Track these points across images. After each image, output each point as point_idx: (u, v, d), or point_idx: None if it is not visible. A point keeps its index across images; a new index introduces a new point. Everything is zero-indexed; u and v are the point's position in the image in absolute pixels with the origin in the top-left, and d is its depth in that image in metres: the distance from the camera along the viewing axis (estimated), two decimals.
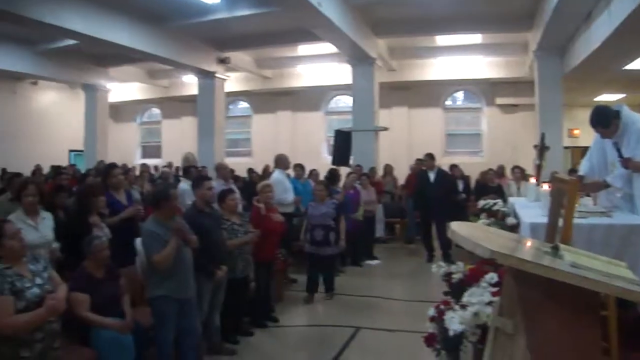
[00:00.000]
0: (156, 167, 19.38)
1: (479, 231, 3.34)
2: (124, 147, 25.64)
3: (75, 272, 5.37)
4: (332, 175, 11.47)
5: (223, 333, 6.71)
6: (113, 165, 7.44)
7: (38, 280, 4.00)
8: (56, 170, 12.70)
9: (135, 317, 5.58)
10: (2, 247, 3.96)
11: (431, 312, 4.37)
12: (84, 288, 5.15)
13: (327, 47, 16.58)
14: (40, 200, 5.93)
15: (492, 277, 4.16)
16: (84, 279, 5.26)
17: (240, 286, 6.94)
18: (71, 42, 15.65)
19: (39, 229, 5.77)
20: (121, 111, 26.83)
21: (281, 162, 10.74)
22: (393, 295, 9.26)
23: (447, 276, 5.01)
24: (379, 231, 13.52)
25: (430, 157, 11.73)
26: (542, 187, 5.98)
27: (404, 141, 20.77)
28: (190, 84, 21.53)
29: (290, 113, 23.43)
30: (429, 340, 4.32)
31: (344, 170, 13.16)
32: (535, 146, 7.67)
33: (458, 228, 2.92)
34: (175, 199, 5.80)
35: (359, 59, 15.65)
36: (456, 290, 4.77)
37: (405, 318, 7.80)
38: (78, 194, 6.81)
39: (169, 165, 16.45)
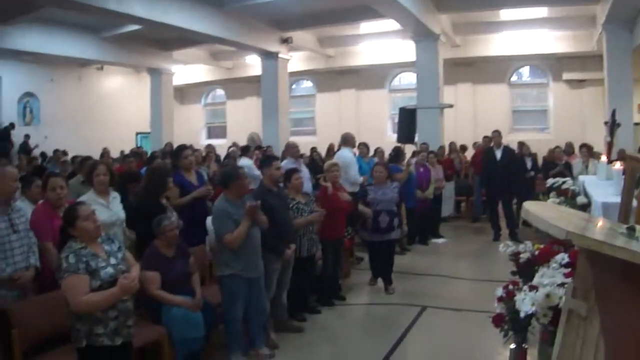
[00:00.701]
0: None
1: (551, 210, 3.24)
2: (190, 128, 26.01)
3: (147, 251, 5.49)
4: (397, 153, 11.34)
5: (290, 311, 6.78)
6: (183, 147, 7.46)
7: (112, 260, 4.05)
8: (124, 155, 12.83)
9: (205, 295, 5.69)
10: (77, 229, 4.03)
11: (499, 292, 4.27)
12: (155, 267, 5.29)
13: (390, 24, 16.41)
14: (110, 180, 6.00)
15: (562, 257, 4.05)
16: (154, 258, 5.39)
17: (307, 265, 6.97)
18: (135, 27, 15.89)
19: (111, 208, 5.86)
20: (186, 93, 27.20)
21: (348, 140, 10.65)
22: (459, 275, 9.18)
23: (515, 256, 4.89)
24: (448, 210, 13.35)
25: (497, 134, 11.51)
26: (614, 165, 5.78)
27: (469, 118, 20.46)
28: (253, 64, 21.62)
29: (354, 91, 23.30)
30: (497, 320, 4.24)
31: (408, 149, 13.04)
32: (606, 123, 7.45)
33: (531, 207, 2.83)
34: (245, 179, 5.84)
35: (422, 35, 15.41)
36: (524, 270, 4.67)
37: (471, 298, 7.74)
38: (147, 174, 6.87)
39: (234, 145, 16.52)
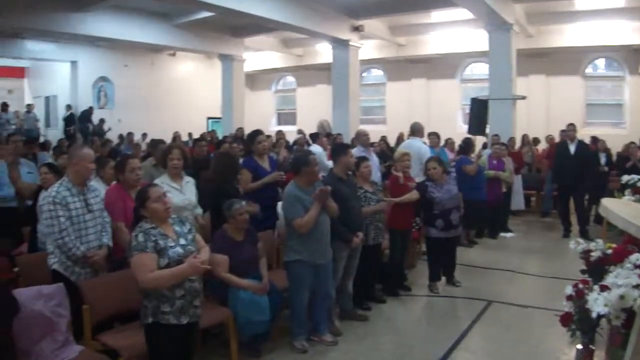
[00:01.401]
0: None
1: (629, 208, 3.14)
2: (260, 114, 26.14)
3: (216, 235, 5.62)
4: (466, 145, 11.19)
5: (355, 299, 6.79)
6: (258, 132, 7.46)
7: (182, 241, 4.15)
8: (195, 139, 12.98)
9: (271, 280, 5.75)
10: (147, 209, 4.15)
11: (569, 290, 4.17)
12: (224, 250, 5.38)
13: (462, 13, 16.25)
14: (184, 164, 6.12)
15: (637, 257, 3.92)
16: (224, 241, 5.50)
17: (373, 254, 6.96)
18: (207, 14, 16.05)
19: (184, 192, 5.98)
20: (257, 79, 27.43)
21: (418, 130, 10.54)
22: (527, 270, 9.01)
23: (586, 254, 4.76)
24: (518, 204, 13.10)
25: (572, 127, 11.21)
26: None
27: (541, 111, 19.99)
28: (324, 52, 21.60)
29: (425, 81, 23.10)
30: (565, 319, 4.13)
31: (479, 140, 12.85)
32: None
33: (610, 204, 2.75)
34: (316, 165, 5.85)
35: (495, 24, 15.10)
36: (594, 269, 4.54)
37: (538, 294, 7.60)
38: (216, 159, 6.96)
39: (301, 132, 16.58)
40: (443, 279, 8.10)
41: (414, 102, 22.74)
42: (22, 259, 5.68)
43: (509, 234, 11.50)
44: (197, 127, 21.81)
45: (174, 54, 23.84)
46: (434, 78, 22.93)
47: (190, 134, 20.28)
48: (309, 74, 25.57)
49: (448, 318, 6.91)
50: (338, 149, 6.86)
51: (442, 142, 12.09)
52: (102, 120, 20.39)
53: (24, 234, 6.67)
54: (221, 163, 6.71)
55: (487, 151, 11.91)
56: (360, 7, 16.70)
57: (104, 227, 5.18)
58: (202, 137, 13.67)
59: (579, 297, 3.96)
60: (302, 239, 5.63)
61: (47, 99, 23.95)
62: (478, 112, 14.82)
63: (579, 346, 4.05)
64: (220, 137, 16.71)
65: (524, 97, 16.08)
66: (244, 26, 19.45)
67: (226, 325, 5.42)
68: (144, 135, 19.32)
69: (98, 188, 5.46)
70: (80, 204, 4.94)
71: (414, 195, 7.50)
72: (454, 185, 7.98)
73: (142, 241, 3.97)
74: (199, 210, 6.26)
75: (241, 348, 5.49)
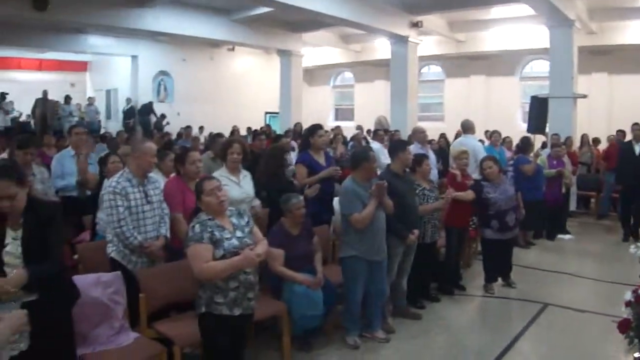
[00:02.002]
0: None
1: None
2: (318, 109, 26.23)
3: (273, 228, 5.68)
4: (524, 144, 10.96)
5: (409, 297, 6.75)
6: (318, 126, 7.43)
7: (238, 234, 4.17)
8: (254, 132, 13.03)
9: (326, 275, 5.77)
10: (202, 202, 4.22)
11: (628, 296, 4.08)
12: (280, 244, 5.42)
13: (523, 9, 16.00)
14: (243, 159, 6.16)
15: None
16: (280, 235, 5.55)
17: (429, 251, 6.92)
18: (266, 9, 16.15)
19: (242, 185, 6.02)
20: (315, 75, 27.49)
21: (471, 127, 10.44)
22: (584, 274, 8.76)
23: None
24: (572, 204, 12.84)
25: (637, 127, 10.87)
26: None
27: (603, 110, 19.53)
28: (382, 48, 21.45)
29: (484, 78, 22.87)
30: (623, 326, 4.04)
31: (538, 139, 12.63)
32: None
33: None
34: (375, 162, 5.86)
35: (556, 21, 14.81)
36: None
37: (595, 299, 7.43)
38: (265, 154, 7.02)
39: (359, 128, 16.52)
40: (499, 280, 7.98)
41: (473, 100, 22.55)
42: (82, 246, 5.80)
43: (567, 236, 11.23)
44: (255, 122, 21.93)
45: (232, 49, 24.04)
46: (493, 75, 22.68)
47: (249, 129, 20.46)
48: (367, 69, 25.52)
49: (502, 319, 6.82)
50: (396, 145, 6.83)
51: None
52: (163, 116, 20.69)
53: (84, 222, 6.82)
54: (267, 156, 6.79)
55: (546, 151, 11.69)
56: (419, 2, 16.57)
57: (162, 218, 5.28)
58: (261, 131, 13.74)
59: (638, 303, 3.88)
60: (358, 235, 5.62)
61: (108, 92, 24.59)
62: (538, 111, 14.55)
63: (637, 354, 3.96)
64: (277, 131, 16.82)
65: (585, 96, 15.76)
66: (303, 22, 19.46)
67: (279, 318, 5.45)
68: (201, 128, 19.55)
69: (158, 180, 5.57)
70: (140, 195, 5.05)
71: (469, 195, 7.40)
72: (511, 186, 7.86)
73: (198, 232, 4.03)
74: (257, 202, 6.33)
75: (293, 342, 5.52)
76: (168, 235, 5.28)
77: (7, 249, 3.64)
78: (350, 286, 5.77)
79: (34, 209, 3.78)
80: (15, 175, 3.67)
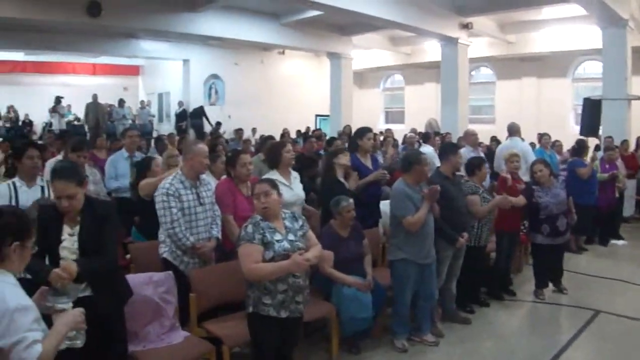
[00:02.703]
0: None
1: None
2: (368, 112, 26.16)
3: (323, 230, 5.73)
4: (580, 146, 10.76)
5: (459, 301, 6.73)
6: (367, 129, 7.42)
7: (290, 237, 4.20)
8: (305, 135, 13.02)
9: (375, 277, 5.77)
10: (254, 205, 4.31)
11: None
12: (330, 245, 5.42)
13: (574, 9, 15.74)
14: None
15: None
16: (330, 237, 5.57)
17: (480, 255, 6.90)
18: (316, 12, 16.18)
19: (293, 188, 6.05)
20: (365, 77, 27.50)
21: (518, 130, 10.32)
22: (638, 280, 8.51)
23: None
24: (629, 209, 12.54)
25: None
26: None
27: None
28: (432, 50, 21.28)
29: (535, 79, 22.46)
30: None
31: (591, 142, 12.39)
32: None
33: None
34: (427, 165, 5.85)
35: (609, 21, 14.47)
36: None
37: None
38: (325, 157, 7.07)
39: (412, 131, 16.39)
40: (550, 285, 7.83)
41: (524, 102, 22.18)
42: (134, 246, 5.92)
43: (620, 242, 10.97)
44: (305, 125, 22.11)
45: (282, 52, 24.17)
46: (544, 77, 22.28)
47: (298, 131, 20.54)
48: (417, 72, 25.36)
49: (552, 326, 6.70)
50: (448, 148, 6.82)
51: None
52: (218, 124, 20.75)
53: (136, 223, 6.89)
54: (326, 159, 6.82)
55: (600, 153, 11.47)
56: (469, 4, 16.40)
57: (215, 219, 5.36)
58: (313, 134, 13.76)
59: None
60: (408, 238, 5.61)
61: (160, 95, 25.08)
62: (590, 113, 14.28)
63: None
64: (327, 134, 16.83)
65: (639, 98, 15.42)
66: (352, 24, 19.48)
67: (328, 320, 5.50)
68: (254, 130, 19.65)
69: (210, 182, 5.66)
70: (192, 197, 5.15)
71: (520, 200, 7.25)
72: (562, 190, 7.67)
73: (250, 232, 4.08)
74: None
75: (342, 343, 5.57)
76: (220, 236, 5.35)
77: (64, 244, 3.81)
78: (399, 289, 5.77)
79: (91, 208, 3.93)
80: (77, 177, 3.86)
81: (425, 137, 12.25)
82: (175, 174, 5.27)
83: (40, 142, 17.40)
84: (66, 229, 3.86)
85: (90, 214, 3.90)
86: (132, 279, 4.55)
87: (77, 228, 3.87)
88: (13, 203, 4.85)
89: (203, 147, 5.42)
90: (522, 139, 10.68)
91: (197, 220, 5.15)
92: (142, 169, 6.74)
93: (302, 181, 6.44)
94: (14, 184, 5.07)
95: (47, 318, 2.83)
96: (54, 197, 3.91)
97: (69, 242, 3.82)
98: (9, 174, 10.04)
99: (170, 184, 5.11)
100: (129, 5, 14.79)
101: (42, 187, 5.17)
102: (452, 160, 6.38)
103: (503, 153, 8.56)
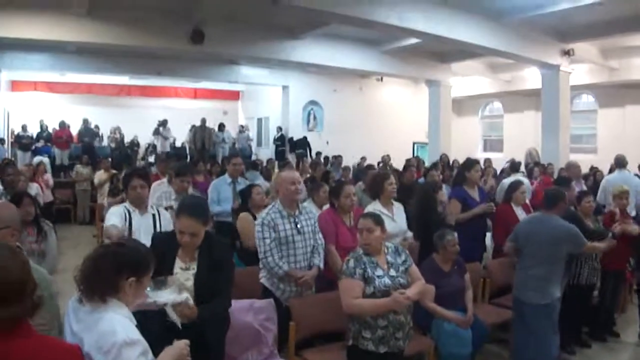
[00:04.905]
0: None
1: None
2: (466, 140, 25.83)
3: (424, 264, 5.57)
4: None
5: (560, 341, 6.47)
6: (475, 161, 7.43)
7: (392, 272, 4.19)
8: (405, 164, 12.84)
9: (476, 313, 5.68)
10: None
11: None
12: (431, 279, 5.27)
13: None
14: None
15: None
16: (431, 271, 5.43)
17: (583, 294, 6.64)
18: (414, 40, 16.18)
19: (395, 219, 6.05)
20: (463, 105, 27.23)
21: (625, 162, 10.02)
22: None
23: None
24: None
25: None
26: None
27: None
28: (532, 77, 20.88)
29: None
30: None
31: None
32: None
33: None
34: (566, 202, 5.75)
35: None
36: None
37: None
38: (421, 189, 7.01)
39: (511, 161, 16.04)
40: None
41: (628, 131, 21.33)
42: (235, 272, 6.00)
43: None
44: (403, 152, 21.79)
45: (381, 79, 24.20)
46: None
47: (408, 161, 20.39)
48: (516, 99, 24.91)
49: None
50: (562, 182, 6.72)
51: None
52: (318, 154, 20.62)
53: (237, 248, 6.93)
54: (423, 191, 6.76)
55: None
56: (570, 30, 16.03)
57: (317, 248, 5.37)
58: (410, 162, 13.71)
59: None
60: (550, 280, 5.48)
61: (259, 120, 25.66)
62: None
63: None
64: (426, 162, 16.71)
65: None
66: (451, 52, 19.39)
67: (427, 354, 5.42)
68: (363, 159, 19.43)
69: (312, 210, 5.72)
70: (290, 226, 5.20)
71: (635, 229, 6.85)
72: None
73: (351, 267, 4.10)
74: (409, 234, 6.34)
75: None
76: (322, 265, 5.37)
77: (176, 277, 3.80)
78: (547, 334, 5.56)
79: (209, 246, 3.97)
80: (204, 216, 3.93)
81: (513, 168, 11.94)
82: (274, 203, 5.37)
83: (143, 162, 18.09)
84: (179, 262, 3.92)
85: (208, 253, 3.94)
86: (233, 304, 4.50)
87: (192, 265, 3.92)
88: (126, 226, 5.00)
89: (288, 174, 5.50)
90: (628, 171, 10.35)
91: (295, 249, 5.19)
92: (244, 196, 6.93)
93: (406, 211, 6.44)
94: (127, 209, 5.18)
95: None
96: (176, 230, 3.95)
97: (182, 276, 3.86)
98: (112, 194, 10.56)
99: (267, 213, 5.22)
100: (231, 33, 15.24)
101: (154, 215, 5.28)
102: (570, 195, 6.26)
103: (611, 187, 8.22)
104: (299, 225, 5.24)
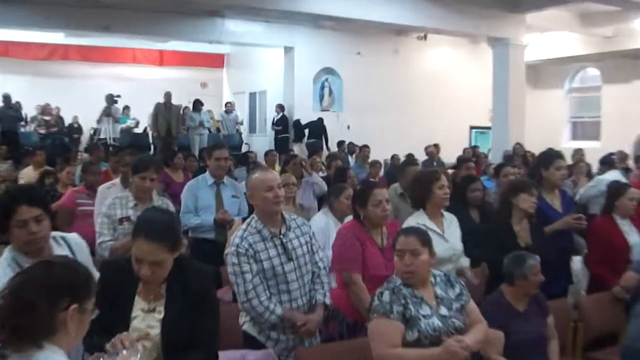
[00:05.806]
0: None
1: None
2: (546, 123, 25.79)
3: (490, 299, 5.52)
4: None
5: None
6: (556, 154, 7.10)
7: (443, 311, 4.18)
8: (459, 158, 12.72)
9: None
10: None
11: None
12: (499, 322, 5.12)
13: None
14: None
15: None
16: (500, 310, 5.32)
17: None
18: None
19: (447, 238, 5.90)
20: (542, 73, 27.10)
21: None
22: None
23: None
24: None
25: None
26: None
27: None
28: None
29: None
30: None
31: None
32: None
33: None
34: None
35: None
36: None
37: None
38: (501, 191, 6.95)
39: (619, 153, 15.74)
40: None
41: None
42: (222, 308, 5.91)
43: None
44: (456, 141, 21.73)
45: (424, 38, 24.06)
46: None
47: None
48: (620, 64, 24.57)
49: None
50: None
51: None
52: (341, 143, 20.72)
53: (222, 274, 6.66)
54: (503, 199, 6.66)
55: None
56: None
57: (318, 277, 5.17)
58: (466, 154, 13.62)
59: None
60: None
61: (252, 95, 25.68)
62: None
63: None
64: (487, 154, 16.65)
65: None
66: None
67: None
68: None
69: (304, 222, 5.43)
70: (275, 251, 4.92)
71: None
72: None
73: (387, 302, 4.08)
74: (466, 262, 6.19)
75: None
76: (328, 301, 5.16)
77: (135, 323, 3.76)
78: None
79: (183, 280, 3.88)
80: (171, 239, 3.78)
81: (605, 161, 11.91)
82: (249, 220, 5.08)
83: (87, 154, 17.65)
84: (140, 302, 3.83)
85: (181, 287, 3.85)
86: (221, 357, 4.38)
87: (159, 305, 3.84)
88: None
89: (261, 175, 5.11)
90: None
91: (287, 283, 4.91)
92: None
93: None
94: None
95: None
96: (133, 260, 3.79)
97: (143, 321, 3.79)
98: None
99: (241, 238, 4.91)
100: None
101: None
102: None
103: None
104: (288, 248, 4.97)
